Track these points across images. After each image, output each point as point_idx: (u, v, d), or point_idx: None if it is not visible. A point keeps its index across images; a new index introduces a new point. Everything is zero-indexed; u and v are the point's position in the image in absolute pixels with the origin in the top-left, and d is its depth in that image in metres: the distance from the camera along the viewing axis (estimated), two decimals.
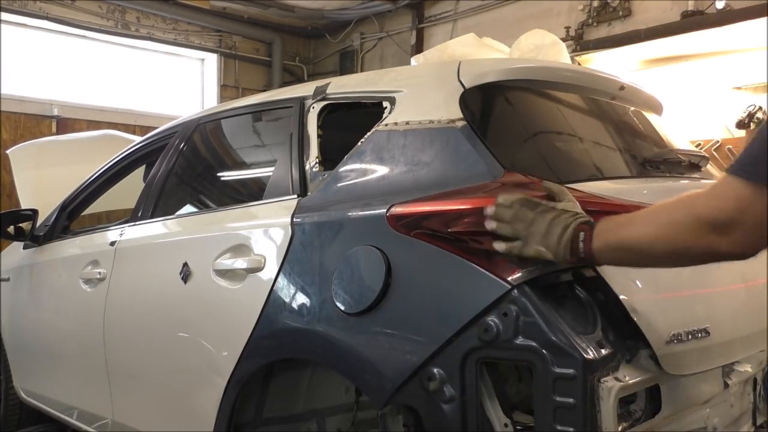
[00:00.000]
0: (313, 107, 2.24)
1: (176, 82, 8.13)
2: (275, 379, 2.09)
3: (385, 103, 2.02)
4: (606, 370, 1.48)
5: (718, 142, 5.47)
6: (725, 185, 1.23)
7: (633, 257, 1.40)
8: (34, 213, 3.38)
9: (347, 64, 8.50)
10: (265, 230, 2.10)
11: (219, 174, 2.84)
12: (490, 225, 1.51)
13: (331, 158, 2.12)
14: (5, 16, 6.59)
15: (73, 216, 3.45)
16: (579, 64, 5.53)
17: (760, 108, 5.17)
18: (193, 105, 7.93)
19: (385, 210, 1.74)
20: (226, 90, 8.26)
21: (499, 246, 1.51)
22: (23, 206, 3.83)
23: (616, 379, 1.49)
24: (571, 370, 1.43)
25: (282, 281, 1.96)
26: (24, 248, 3.48)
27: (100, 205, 3.60)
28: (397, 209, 1.72)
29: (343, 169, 2.01)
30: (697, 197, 1.28)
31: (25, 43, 6.92)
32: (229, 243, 2.18)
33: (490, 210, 1.51)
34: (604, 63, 5.88)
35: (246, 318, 2.03)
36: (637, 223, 1.37)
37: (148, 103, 7.66)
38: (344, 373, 1.83)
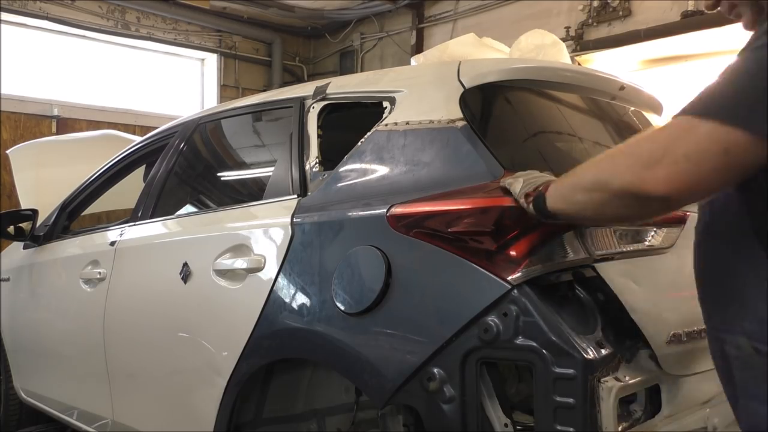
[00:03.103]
0: (313, 107, 2.24)
1: (176, 82, 8.12)
2: (275, 379, 2.09)
3: (385, 103, 2.02)
4: (606, 370, 1.48)
5: None
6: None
7: (577, 201, 1.31)
8: (34, 213, 3.38)
9: (347, 64, 8.49)
10: (265, 230, 2.10)
11: (219, 174, 2.84)
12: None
13: (331, 158, 2.12)
14: (5, 16, 6.58)
15: (73, 216, 3.45)
16: (579, 64, 5.53)
17: None
18: (193, 105, 7.92)
19: (385, 210, 1.74)
20: (226, 90, 8.25)
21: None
22: (23, 206, 3.82)
23: (616, 379, 1.49)
24: (571, 370, 1.43)
25: (282, 281, 1.96)
26: (24, 248, 3.48)
27: (100, 205, 3.60)
28: (398, 209, 1.72)
29: (343, 169, 2.01)
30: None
31: (25, 43, 6.91)
32: (229, 243, 2.18)
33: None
34: (604, 63, 5.88)
35: (246, 318, 2.03)
36: (584, 167, 1.32)
37: (148, 103, 7.64)
38: (344, 373, 1.83)
